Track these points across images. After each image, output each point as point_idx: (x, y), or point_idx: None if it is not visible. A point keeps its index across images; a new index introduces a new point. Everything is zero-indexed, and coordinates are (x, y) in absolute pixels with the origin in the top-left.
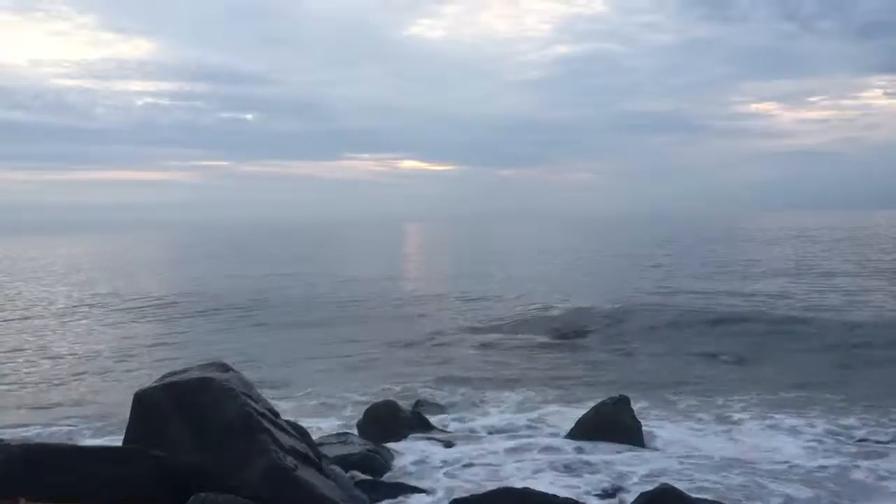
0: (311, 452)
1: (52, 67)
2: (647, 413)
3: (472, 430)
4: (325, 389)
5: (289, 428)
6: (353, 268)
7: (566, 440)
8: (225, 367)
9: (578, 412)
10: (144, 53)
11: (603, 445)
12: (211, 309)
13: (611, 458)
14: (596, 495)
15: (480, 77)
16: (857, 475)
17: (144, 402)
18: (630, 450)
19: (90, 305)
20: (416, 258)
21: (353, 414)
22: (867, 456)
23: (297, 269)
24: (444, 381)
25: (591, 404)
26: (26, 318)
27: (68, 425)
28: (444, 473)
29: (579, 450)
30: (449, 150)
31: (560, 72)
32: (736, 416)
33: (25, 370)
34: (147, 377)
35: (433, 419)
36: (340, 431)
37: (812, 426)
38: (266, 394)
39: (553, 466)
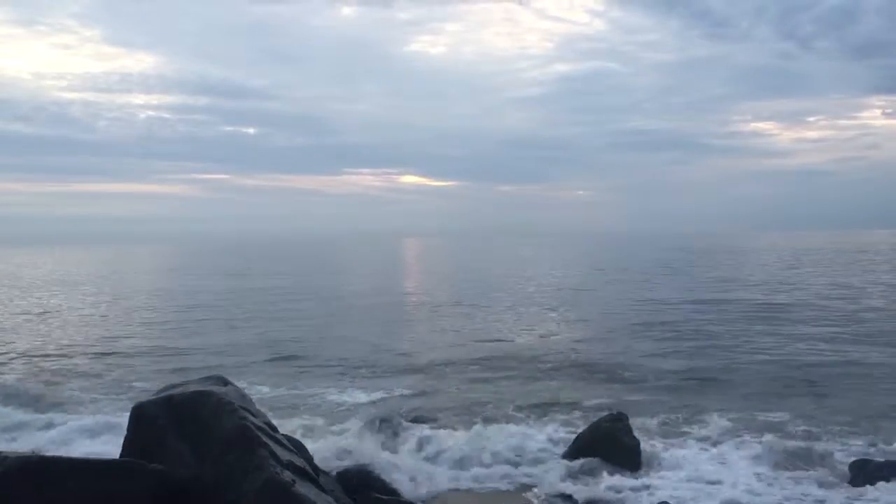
0: (308, 467)
1: (54, 80)
2: (646, 431)
3: (470, 448)
4: (323, 404)
5: (287, 442)
6: (351, 283)
7: (564, 457)
8: (223, 381)
9: (576, 430)
10: (147, 67)
11: (600, 463)
12: (209, 322)
13: (608, 475)
14: None
15: (481, 94)
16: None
17: (142, 416)
18: (628, 468)
19: (91, 314)
20: (414, 274)
21: (351, 429)
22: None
23: (296, 284)
24: (442, 397)
25: (590, 422)
26: (29, 324)
27: (66, 437)
28: (441, 488)
29: (577, 467)
30: (449, 166)
31: (560, 89)
32: (737, 438)
33: (25, 376)
34: (145, 389)
35: (430, 436)
36: (338, 446)
37: (810, 450)
38: (263, 408)
39: (550, 484)
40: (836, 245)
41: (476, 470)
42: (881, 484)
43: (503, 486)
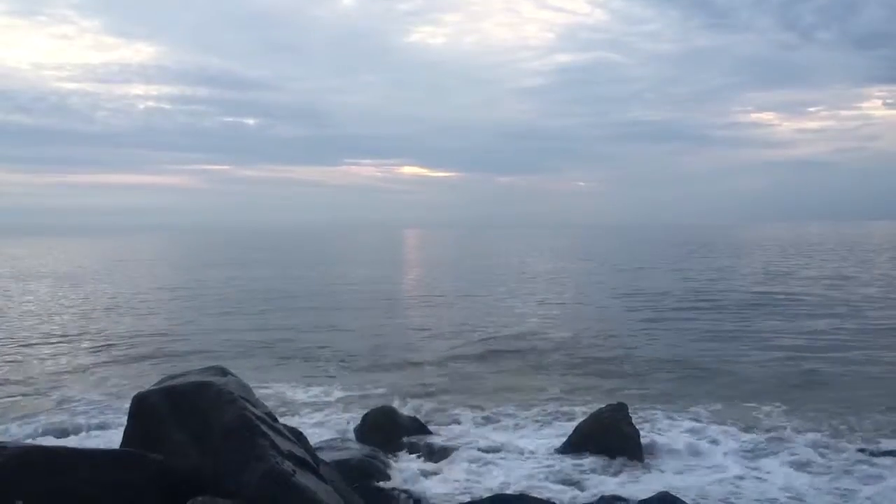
0: (308, 457)
1: (54, 71)
2: (646, 421)
3: (470, 438)
4: (324, 394)
5: (287, 432)
6: (351, 274)
7: (564, 447)
8: (223, 371)
9: (576, 420)
10: (147, 58)
11: (601, 453)
12: (209, 313)
13: (609, 465)
14: (594, 502)
15: (481, 84)
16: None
17: (143, 406)
18: (628, 457)
19: (90, 305)
20: (414, 265)
21: (351, 419)
22: (865, 472)
23: (297, 275)
24: (442, 388)
25: (589, 412)
26: (28, 315)
27: (66, 426)
28: (441, 481)
29: (577, 458)
30: (449, 157)
31: (561, 80)
32: (737, 427)
33: (24, 367)
34: (145, 378)
35: (430, 426)
36: (338, 437)
37: (810, 441)
38: (264, 399)
39: (551, 474)
40: (835, 236)
41: (474, 462)
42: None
43: (502, 477)
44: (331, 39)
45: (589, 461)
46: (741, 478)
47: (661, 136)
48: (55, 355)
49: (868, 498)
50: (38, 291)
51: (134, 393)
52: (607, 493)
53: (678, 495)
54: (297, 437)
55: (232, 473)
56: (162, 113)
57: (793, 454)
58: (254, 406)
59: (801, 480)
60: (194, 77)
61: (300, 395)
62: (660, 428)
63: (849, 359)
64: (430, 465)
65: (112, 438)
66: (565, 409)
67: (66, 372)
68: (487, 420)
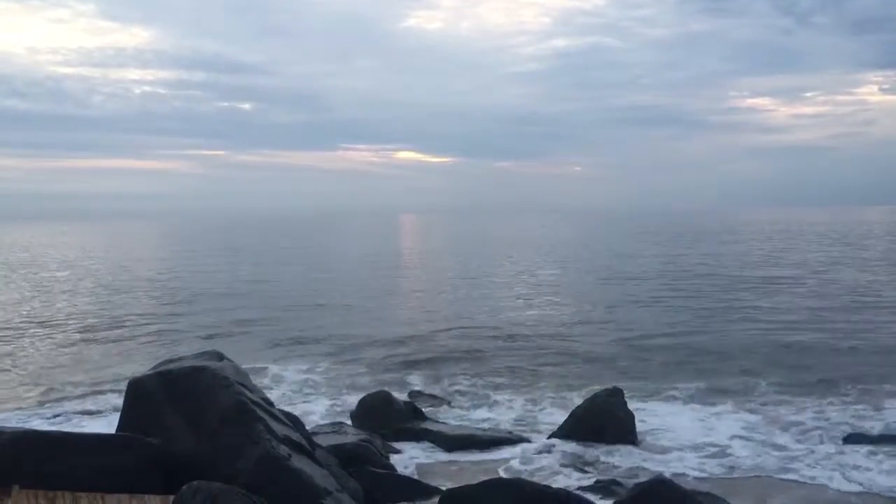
0: (304, 441)
1: (49, 55)
2: (641, 406)
3: (466, 423)
4: (320, 380)
5: (283, 417)
6: (348, 259)
7: (560, 432)
8: (219, 356)
9: (572, 404)
10: (143, 42)
11: (596, 437)
12: (205, 297)
13: (604, 449)
14: (589, 487)
15: (477, 69)
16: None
17: (138, 390)
18: (623, 441)
19: (85, 290)
20: (407, 251)
21: (348, 404)
22: (854, 453)
23: (293, 260)
24: (438, 374)
25: (585, 397)
26: (24, 301)
27: (62, 412)
28: (437, 464)
29: (573, 442)
30: (446, 142)
31: (558, 65)
32: (730, 408)
33: (21, 353)
34: (141, 362)
35: (426, 411)
36: (334, 421)
37: (802, 419)
38: (260, 384)
39: (546, 458)
40: (830, 221)
41: (469, 447)
42: (868, 454)
43: (497, 461)
44: (327, 24)
45: (584, 445)
46: (736, 460)
47: (657, 121)
48: (51, 341)
49: (864, 469)
50: (32, 277)
51: (130, 377)
52: (603, 478)
53: (673, 478)
54: (294, 421)
55: (228, 458)
56: (157, 98)
57: (786, 434)
58: (250, 391)
59: (797, 459)
60: (190, 61)
61: (296, 379)
62: (654, 412)
63: (839, 340)
64: (425, 450)
65: (108, 423)
66: (561, 394)
67: (62, 357)
68: (482, 405)
